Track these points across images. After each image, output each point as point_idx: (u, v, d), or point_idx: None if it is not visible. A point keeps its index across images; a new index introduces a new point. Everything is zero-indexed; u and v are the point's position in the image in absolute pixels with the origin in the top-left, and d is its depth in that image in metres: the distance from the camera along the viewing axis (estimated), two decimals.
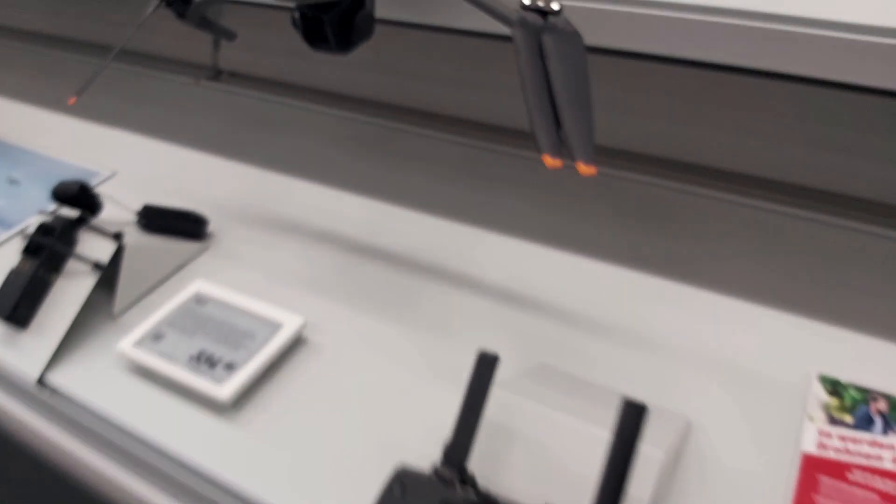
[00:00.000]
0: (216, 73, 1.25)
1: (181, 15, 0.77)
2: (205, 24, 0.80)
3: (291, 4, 0.66)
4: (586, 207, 0.86)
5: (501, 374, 0.64)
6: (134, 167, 1.04)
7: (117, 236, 0.77)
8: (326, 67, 1.13)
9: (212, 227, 0.89)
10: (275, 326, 0.72)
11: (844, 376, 0.66)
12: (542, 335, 0.73)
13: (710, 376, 0.68)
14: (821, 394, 0.66)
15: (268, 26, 1.11)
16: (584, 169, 0.50)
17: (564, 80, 0.54)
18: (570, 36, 0.56)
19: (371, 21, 0.67)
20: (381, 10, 0.69)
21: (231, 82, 1.23)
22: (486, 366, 0.53)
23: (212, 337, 0.72)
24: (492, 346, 0.71)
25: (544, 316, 0.75)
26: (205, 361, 0.69)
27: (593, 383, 0.66)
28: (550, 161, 0.51)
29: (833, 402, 0.65)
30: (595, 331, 0.73)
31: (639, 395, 0.66)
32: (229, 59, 1.24)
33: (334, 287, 0.80)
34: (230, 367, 0.68)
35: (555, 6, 0.56)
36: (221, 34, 0.82)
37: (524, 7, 0.57)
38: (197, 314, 0.74)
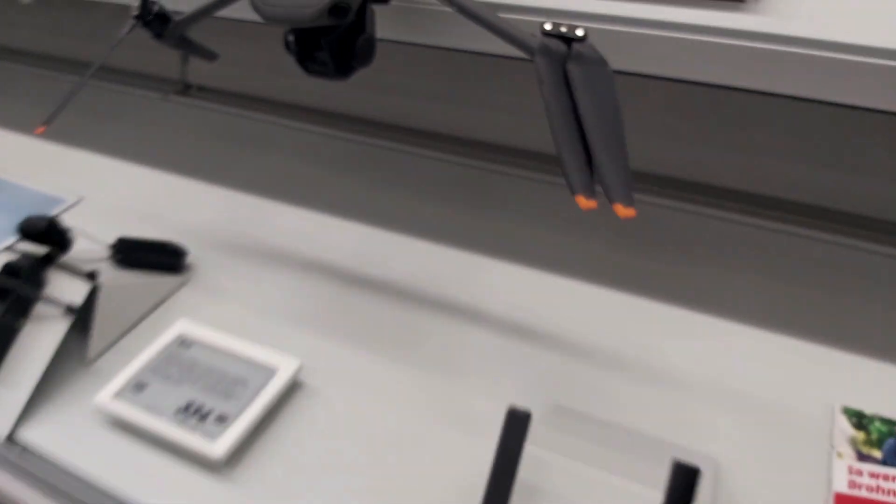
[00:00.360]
0: (185, 88, 1.19)
1: (158, 35, 0.71)
2: (184, 44, 0.74)
3: (285, 27, 0.61)
4: (591, 230, 0.83)
5: None
6: (101, 192, 0.98)
7: (91, 276, 0.70)
8: (303, 81, 1.07)
9: (191, 257, 0.83)
10: (268, 371, 0.67)
11: (868, 407, 0.64)
12: (552, 370, 0.69)
13: (729, 411, 0.65)
14: (846, 427, 0.63)
15: (238, 36, 1.05)
16: (624, 211, 0.46)
17: (594, 113, 0.50)
18: (597, 64, 0.52)
19: (372, 45, 0.62)
20: (385, 31, 0.64)
21: (201, 97, 1.17)
22: (517, 424, 0.49)
23: (200, 385, 0.66)
24: (500, 384, 0.68)
25: (553, 348, 0.71)
26: (194, 414, 0.63)
27: (617, 426, 0.63)
28: (585, 202, 0.47)
29: (860, 435, 0.62)
30: (607, 364, 0.70)
31: (661, 435, 0.63)
32: (198, 73, 1.18)
33: (328, 322, 0.75)
34: (222, 420, 0.63)
35: (579, 32, 0.52)
36: (202, 54, 0.76)
37: (546, 33, 0.53)
38: (182, 359, 0.68)
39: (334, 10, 0.56)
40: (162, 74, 1.19)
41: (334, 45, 0.61)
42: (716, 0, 0.63)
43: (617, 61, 0.54)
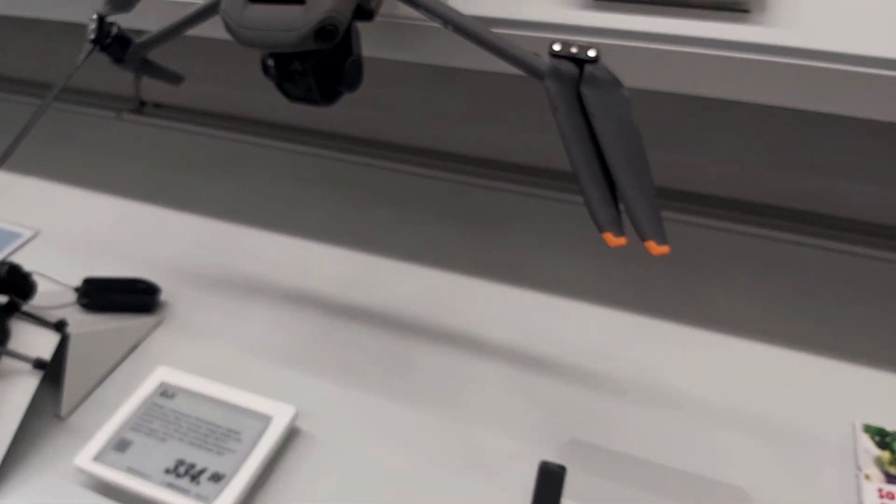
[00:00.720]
0: (140, 105, 1.12)
1: (118, 60, 0.66)
2: (146, 67, 0.69)
3: (263, 52, 0.56)
4: (593, 247, 0.79)
5: (527, 453, 0.57)
6: (58, 224, 0.91)
7: (59, 326, 0.65)
8: (272, 95, 1.02)
9: (164, 294, 0.77)
10: (263, 420, 0.62)
11: (889, 423, 0.62)
12: (561, 400, 0.66)
13: (747, 434, 0.63)
14: (870, 447, 0.62)
15: (195, 47, 0.99)
16: (658, 249, 0.43)
17: (615, 140, 0.46)
18: (612, 86, 0.48)
19: (360, 67, 0.58)
20: (377, 51, 0.60)
21: (158, 115, 1.11)
22: (552, 480, 0.46)
23: (188, 440, 0.61)
24: (509, 419, 0.64)
25: (560, 376, 0.68)
26: (185, 474, 0.58)
27: (635, 459, 0.60)
28: (614, 240, 0.44)
29: (885, 455, 0.61)
30: (615, 389, 0.67)
31: (682, 466, 0.60)
32: (153, 89, 1.12)
33: (318, 359, 0.71)
34: (217, 479, 0.58)
35: (591, 53, 0.49)
36: (167, 78, 0.71)
37: (555, 55, 0.49)
38: (166, 412, 0.63)
39: (322, 34, 0.52)
40: (114, 91, 1.12)
41: (319, 69, 0.56)
42: (719, 11, 0.60)
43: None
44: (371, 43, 0.61)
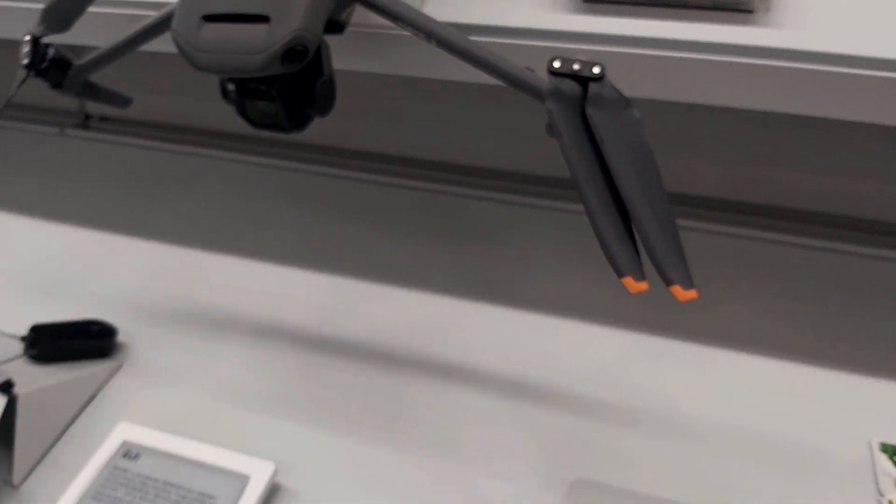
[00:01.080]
0: (85, 119, 1.04)
1: (57, 85, 0.59)
2: (89, 91, 0.62)
3: (222, 76, 0.50)
4: (586, 258, 0.74)
5: (530, 497, 0.52)
6: None
7: (5, 387, 0.58)
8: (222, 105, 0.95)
9: (121, 335, 0.71)
10: (239, 480, 0.56)
11: None
12: (562, 433, 0.61)
13: (760, 460, 0.59)
14: (888, 467, 0.58)
15: (142, 53, 0.92)
16: (684, 294, 0.38)
17: (629, 170, 0.41)
18: (621, 107, 0.43)
19: (332, 89, 0.52)
20: (349, 63, 0.54)
21: (106, 129, 1.02)
22: None
23: None
24: (508, 458, 0.59)
25: (560, 406, 0.63)
26: None
27: (647, 497, 0.56)
28: (635, 286, 0.39)
29: None
30: (618, 418, 0.63)
31: (695, 497, 0.56)
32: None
33: (297, 402, 0.65)
34: None
35: (596, 70, 0.43)
36: (113, 101, 0.64)
37: (555, 72, 0.44)
38: (130, 477, 0.57)
39: (290, 56, 0.46)
40: (56, 105, 1.04)
41: (287, 92, 0.50)
42: (721, 11, 0.55)
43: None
44: (341, 55, 0.55)
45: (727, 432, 0.61)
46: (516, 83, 0.46)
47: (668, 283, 0.39)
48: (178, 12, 0.48)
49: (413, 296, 0.73)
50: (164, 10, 0.52)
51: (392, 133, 0.92)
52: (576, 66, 0.44)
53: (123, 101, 0.65)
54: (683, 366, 0.66)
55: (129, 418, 0.62)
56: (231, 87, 0.51)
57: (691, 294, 0.39)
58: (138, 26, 0.55)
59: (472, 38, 0.57)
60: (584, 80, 0.44)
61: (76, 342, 0.67)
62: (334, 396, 0.65)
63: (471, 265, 0.77)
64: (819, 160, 0.75)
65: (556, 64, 0.44)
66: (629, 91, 0.56)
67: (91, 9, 0.60)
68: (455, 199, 0.85)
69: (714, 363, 0.66)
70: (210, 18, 0.47)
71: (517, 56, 0.56)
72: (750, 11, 0.55)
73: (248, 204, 0.87)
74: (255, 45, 0.45)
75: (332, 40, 0.54)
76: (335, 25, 0.53)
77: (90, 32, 0.63)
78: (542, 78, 0.45)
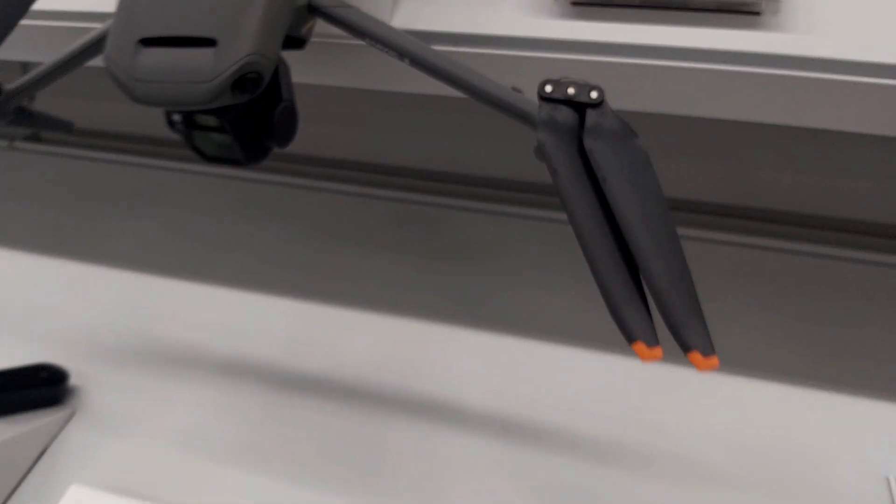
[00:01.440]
0: (35, 131, 0.96)
1: None
2: (25, 118, 0.55)
3: (165, 108, 0.44)
4: (581, 276, 0.69)
5: None
6: None
7: None
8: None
9: (74, 378, 0.64)
10: None
11: None
12: (558, 473, 0.56)
13: (768, 495, 0.54)
14: None
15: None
16: (705, 363, 0.33)
17: (636, 213, 0.36)
18: (624, 137, 0.38)
19: (293, 116, 0.46)
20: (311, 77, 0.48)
21: (57, 142, 0.95)
22: None
23: None
24: None
25: (554, 442, 0.58)
26: None
27: None
28: (648, 352, 0.33)
29: None
30: (616, 455, 0.58)
31: None
32: (50, 111, 0.96)
33: (267, 450, 0.60)
34: None
35: (594, 95, 0.38)
36: (53, 126, 0.57)
37: (546, 98, 0.38)
38: None
39: (241, 84, 0.40)
40: None
41: (240, 123, 0.44)
42: (725, 14, 0.49)
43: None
44: (302, 70, 0.49)
45: (733, 467, 0.56)
46: (502, 107, 0.40)
47: (686, 348, 0.34)
48: (111, 35, 0.42)
49: (391, 323, 0.68)
50: (96, 31, 0.45)
51: (365, 138, 0.86)
52: (571, 91, 0.38)
53: (65, 127, 0.58)
54: (685, 394, 0.61)
55: (82, 476, 0.57)
56: (177, 116, 0.45)
57: (712, 363, 0.33)
58: (73, 45, 0.49)
59: (449, 48, 0.52)
60: (580, 105, 0.38)
61: (22, 390, 0.61)
62: (307, 444, 0.59)
63: (453, 285, 0.71)
64: (818, 162, 0.71)
65: (548, 88, 0.38)
66: (625, 104, 0.51)
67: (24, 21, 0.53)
68: (435, 211, 0.79)
69: (719, 389, 0.61)
70: (148, 42, 0.41)
71: (499, 69, 0.51)
72: (757, 13, 0.49)
73: (210, 221, 0.81)
74: (201, 72, 0.39)
75: (291, 55, 0.48)
76: (294, 41, 0.47)
77: (28, 49, 0.57)
78: (532, 101, 0.40)
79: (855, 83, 0.47)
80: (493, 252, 0.74)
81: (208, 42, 0.40)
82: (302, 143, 0.85)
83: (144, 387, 0.65)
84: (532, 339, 0.65)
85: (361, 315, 0.69)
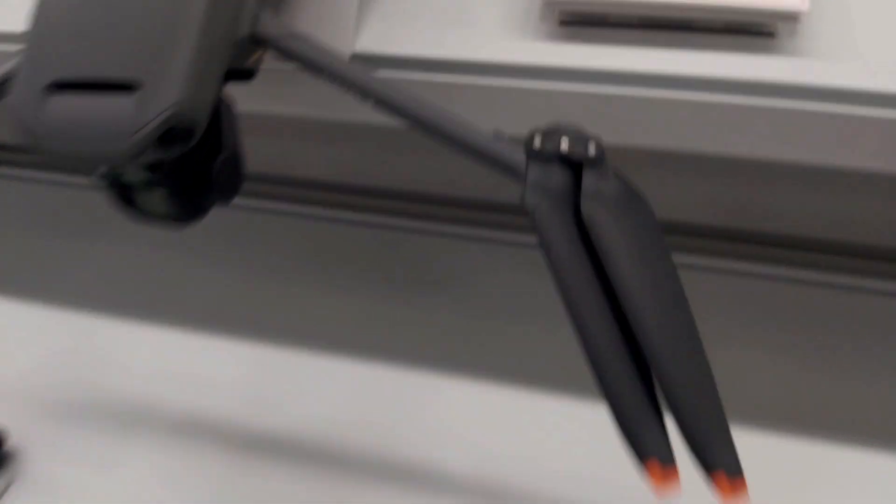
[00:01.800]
0: None
1: None
2: None
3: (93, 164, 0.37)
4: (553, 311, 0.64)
5: None
6: None
7: None
8: None
9: (11, 442, 0.58)
10: None
11: None
12: None
13: None
14: None
15: None
16: (730, 488, 0.27)
17: (645, 298, 0.30)
18: (628, 202, 0.32)
19: (238, 167, 0.39)
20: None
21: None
22: None
23: None
24: None
25: None
26: None
27: None
28: (661, 475, 0.28)
29: None
30: None
31: None
32: None
33: None
34: None
35: (591, 150, 0.32)
36: None
37: (535, 154, 0.32)
38: None
39: (169, 137, 0.33)
40: None
41: (174, 177, 0.37)
42: (735, 35, 0.43)
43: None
44: (250, 100, 0.43)
45: None
46: (483, 158, 0.34)
47: (708, 467, 0.28)
48: (16, 78, 0.35)
49: (364, 370, 0.62)
50: (2, 69, 0.38)
51: (332, 156, 0.79)
52: (564, 145, 0.32)
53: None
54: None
55: None
56: (103, 169, 0.38)
57: (740, 486, 0.27)
58: None
59: (420, 75, 0.46)
60: (575, 164, 0.32)
61: None
62: None
63: (433, 323, 0.65)
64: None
65: (537, 142, 0.32)
66: (621, 139, 0.45)
67: None
68: (412, 237, 0.73)
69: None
70: (59, 87, 0.34)
71: (477, 100, 0.44)
72: (771, 35, 0.43)
73: (162, 251, 0.73)
74: (120, 124, 0.33)
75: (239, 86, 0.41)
76: (241, 73, 0.41)
77: None
78: (517, 149, 0.34)
79: (890, 120, 0.41)
80: (475, 282, 0.68)
81: (129, 87, 0.33)
82: (263, 160, 0.78)
83: (92, 449, 0.59)
84: (519, 387, 0.59)
85: (329, 361, 0.63)
